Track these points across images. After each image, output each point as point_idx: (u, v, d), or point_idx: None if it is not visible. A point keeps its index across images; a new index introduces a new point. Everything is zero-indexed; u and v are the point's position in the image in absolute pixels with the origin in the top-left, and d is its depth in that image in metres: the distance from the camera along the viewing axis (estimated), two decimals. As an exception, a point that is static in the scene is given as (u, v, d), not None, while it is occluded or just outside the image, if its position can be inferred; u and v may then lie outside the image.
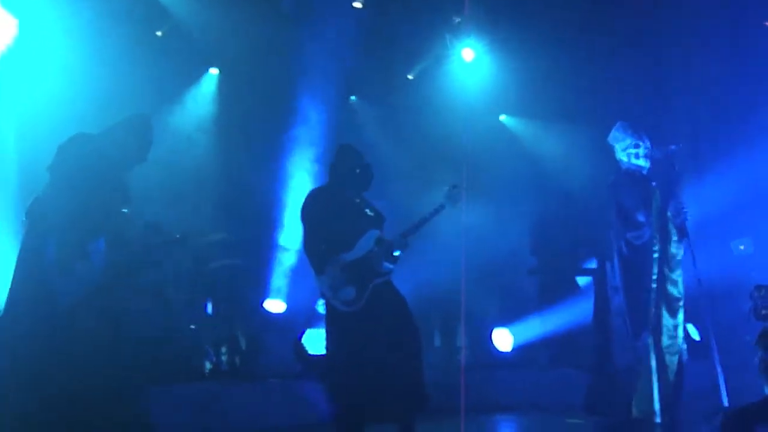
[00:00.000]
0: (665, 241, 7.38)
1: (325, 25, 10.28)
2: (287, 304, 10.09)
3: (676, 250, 7.41)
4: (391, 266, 6.71)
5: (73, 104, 8.11)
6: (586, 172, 9.94)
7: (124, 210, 6.45)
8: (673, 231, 7.40)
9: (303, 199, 6.84)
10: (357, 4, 10.52)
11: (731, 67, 10.22)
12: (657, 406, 7.29)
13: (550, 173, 11.11)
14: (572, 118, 10.69)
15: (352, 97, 11.28)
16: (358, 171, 6.85)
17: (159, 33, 9.97)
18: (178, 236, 7.18)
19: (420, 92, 11.09)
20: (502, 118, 11.75)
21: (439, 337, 10.87)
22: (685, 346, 7.57)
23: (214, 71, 10.60)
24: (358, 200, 6.91)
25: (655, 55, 10.22)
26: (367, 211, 6.89)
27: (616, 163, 7.66)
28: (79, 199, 6.06)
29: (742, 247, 10.40)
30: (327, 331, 6.74)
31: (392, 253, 6.70)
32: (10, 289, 6.14)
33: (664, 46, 10.18)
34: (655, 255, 7.35)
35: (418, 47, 11.02)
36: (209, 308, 9.20)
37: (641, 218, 7.39)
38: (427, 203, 9.42)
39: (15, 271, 6.15)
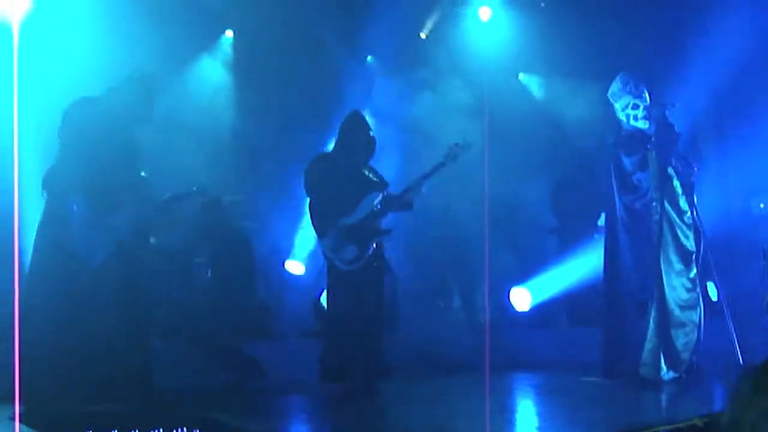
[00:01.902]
0: (670, 200, 7.32)
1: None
2: (306, 266, 10.16)
3: (686, 206, 7.36)
4: (388, 228, 7.14)
5: (86, 68, 8.15)
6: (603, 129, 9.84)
7: (141, 172, 6.52)
8: (678, 187, 7.33)
9: (309, 163, 7.02)
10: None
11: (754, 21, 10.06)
12: (663, 363, 7.30)
13: (570, 132, 11.01)
14: (592, 75, 10.56)
15: (369, 58, 11.22)
16: (364, 141, 7.05)
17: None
18: (194, 188, 7.30)
19: (435, 51, 11.00)
20: (521, 76, 11.64)
21: (459, 298, 10.90)
22: (701, 304, 7.54)
23: (229, 33, 10.58)
24: (361, 167, 7.18)
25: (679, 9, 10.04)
26: (371, 176, 7.18)
27: (617, 122, 7.57)
28: (91, 159, 6.12)
29: (762, 206, 10.30)
30: (327, 290, 7.01)
31: (400, 205, 7.12)
32: (33, 257, 6.21)
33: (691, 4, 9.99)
34: (656, 216, 7.30)
35: (433, 5, 10.93)
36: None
37: (638, 182, 7.34)
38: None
39: (37, 239, 6.21)
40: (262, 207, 10.10)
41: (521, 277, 10.39)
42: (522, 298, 10.47)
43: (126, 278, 6.27)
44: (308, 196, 7.28)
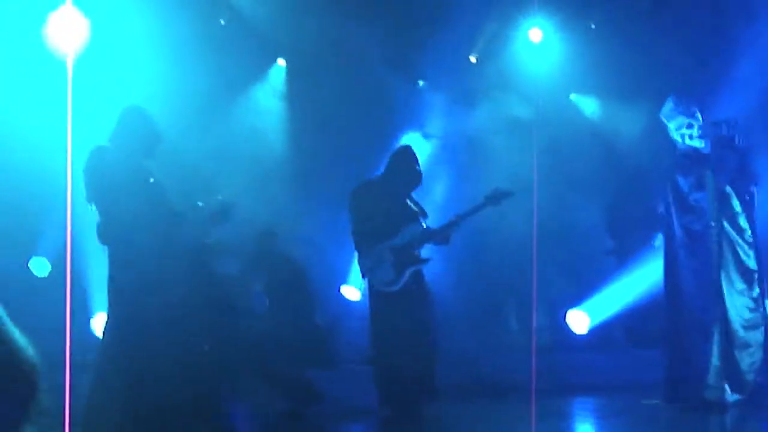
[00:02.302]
0: (729, 219, 7.21)
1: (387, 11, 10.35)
2: (362, 290, 10.17)
3: (745, 224, 7.24)
4: (427, 257, 7.45)
5: (144, 100, 8.26)
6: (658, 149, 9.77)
7: (198, 202, 6.51)
8: (737, 206, 7.21)
9: (355, 187, 7.24)
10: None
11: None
12: (727, 385, 7.17)
13: (623, 152, 10.95)
14: (644, 96, 10.49)
15: (420, 82, 11.26)
16: (411, 174, 7.58)
17: (222, 21, 10.06)
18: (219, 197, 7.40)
19: (486, 74, 11.02)
20: (573, 97, 11.60)
21: (515, 320, 10.86)
22: (766, 324, 7.39)
23: (281, 62, 10.68)
24: (405, 198, 7.56)
25: (728, 31, 9.95)
26: (413, 207, 7.58)
27: (672, 143, 7.47)
28: (121, 210, 6.08)
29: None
30: (370, 313, 7.53)
31: (437, 239, 7.45)
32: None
33: (739, 21, 9.90)
34: (715, 236, 7.18)
35: (485, 28, 10.95)
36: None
37: (696, 202, 7.22)
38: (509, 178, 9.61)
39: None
40: (317, 233, 10.16)
41: (578, 300, 10.31)
42: (579, 321, 10.40)
43: (192, 309, 6.24)
44: (351, 218, 7.62)
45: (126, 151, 6.21)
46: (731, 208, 7.19)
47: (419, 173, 7.62)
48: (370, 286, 7.55)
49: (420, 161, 7.74)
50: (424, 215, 7.59)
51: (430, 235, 7.46)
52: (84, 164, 6.18)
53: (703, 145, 7.24)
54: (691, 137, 7.25)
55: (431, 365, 7.53)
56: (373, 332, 7.66)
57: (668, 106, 7.39)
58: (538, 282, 9.79)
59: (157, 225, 6.08)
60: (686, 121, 7.27)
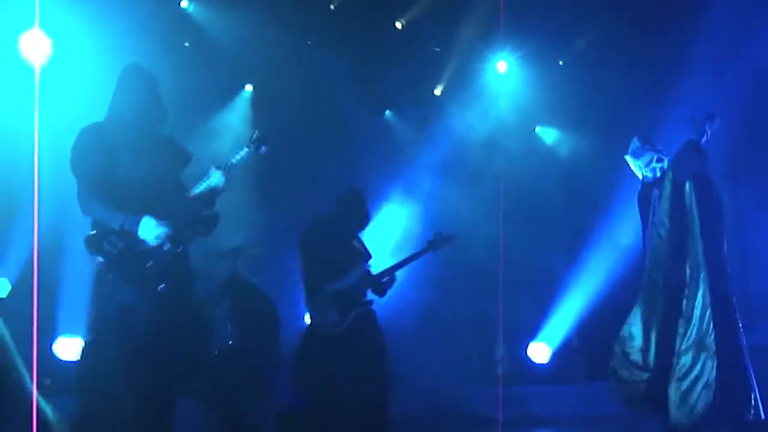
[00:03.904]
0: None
1: (360, 44, 10.42)
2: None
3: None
4: (372, 298, 7.50)
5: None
6: (622, 182, 9.87)
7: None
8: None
9: (304, 226, 7.30)
10: (398, 25, 10.69)
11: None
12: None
13: (585, 185, 11.04)
14: (608, 128, 10.62)
15: (387, 112, 11.32)
16: (360, 216, 7.67)
17: (186, 44, 10.08)
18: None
19: (453, 106, 11.09)
20: (538, 129, 11.70)
21: (477, 352, 10.86)
22: None
23: (249, 88, 10.67)
24: (353, 238, 7.66)
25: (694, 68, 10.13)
26: (358, 247, 7.66)
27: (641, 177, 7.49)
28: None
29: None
30: (300, 349, 7.49)
31: (375, 287, 7.52)
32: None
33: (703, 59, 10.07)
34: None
35: (452, 62, 11.04)
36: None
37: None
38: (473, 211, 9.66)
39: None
40: (286, 258, 10.07)
41: (537, 330, 10.37)
42: (541, 352, 10.44)
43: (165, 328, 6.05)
44: (302, 254, 7.61)
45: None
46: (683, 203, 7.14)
47: (368, 215, 7.73)
48: (311, 327, 7.54)
49: (369, 203, 7.81)
50: (369, 256, 7.67)
51: (372, 282, 7.55)
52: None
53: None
54: (662, 170, 7.31)
55: (381, 404, 7.47)
56: (307, 374, 7.48)
57: (635, 145, 7.47)
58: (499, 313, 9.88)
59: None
60: (655, 155, 7.35)
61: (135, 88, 5.99)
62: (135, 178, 5.74)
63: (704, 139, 7.01)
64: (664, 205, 7.10)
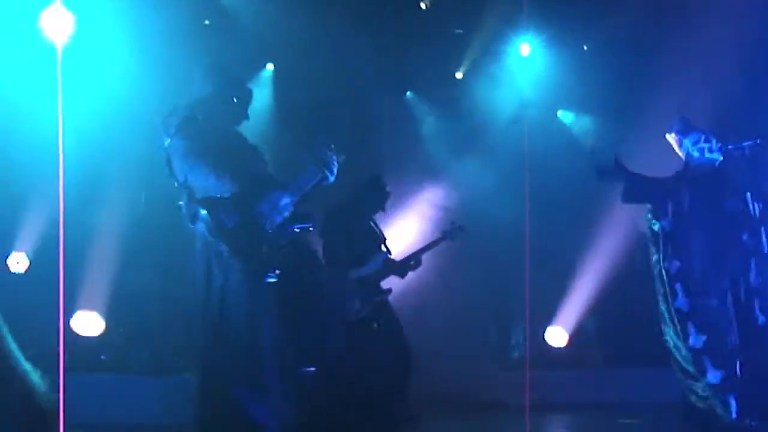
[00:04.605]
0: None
1: (386, 23, 10.35)
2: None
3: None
4: (389, 288, 7.56)
5: (128, 99, 8.28)
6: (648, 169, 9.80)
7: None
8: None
9: (326, 215, 7.29)
10: (423, 5, 10.62)
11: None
12: None
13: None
14: (632, 113, 10.51)
15: (408, 93, 11.26)
16: (380, 202, 7.83)
17: (207, 22, 10.02)
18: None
19: (475, 88, 11.02)
20: (560, 113, 11.62)
21: (494, 335, 10.84)
22: None
23: (270, 67, 10.63)
24: (371, 222, 7.77)
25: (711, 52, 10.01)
26: (377, 231, 7.78)
27: (685, 156, 7.38)
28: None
29: None
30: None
31: (400, 272, 7.66)
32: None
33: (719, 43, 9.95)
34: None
35: (477, 44, 10.96)
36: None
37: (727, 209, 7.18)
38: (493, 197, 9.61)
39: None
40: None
41: (558, 317, 10.34)
42: (558, 336, 10.41)
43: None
44: (326, 242, 7.65)
45: None
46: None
47: (386, 199, 7.83)
48: (332, 316, 7.42)
49: (387, 187, 7.89)
50: (385, 238, 7.76)
51: (397, 265, 7.67)
52: None
53: (720, 158, 7.23)
54: (710, 150, 7.22)
55: (402, 393, 7.50)
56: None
57: (682, 123, 7.37)
58: (517, 298, 9.83)
59: None
60: (703, 135, 7.26)
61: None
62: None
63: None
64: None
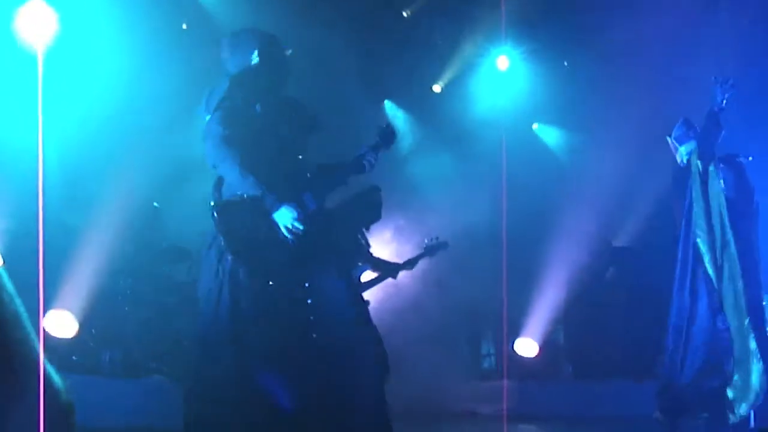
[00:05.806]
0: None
1: (367, 31, 10.36)
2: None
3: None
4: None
5: (109, 100, 8.22)
6: (616, 183, 9.89)
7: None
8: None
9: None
10: (405, 13, 10.64)
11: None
12: None
13: (584, 185, 11.04)
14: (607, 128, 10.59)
15: (386, 102, 11.29)
16: (373, 216, 7.33)
17: (184, 26, 9.96)
18: None
19: (452, 99, 11.06)
20: (535, 127, 11.70)
21: (466, 345, 10.88)
22: None
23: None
24: (358, 234, 7.40)
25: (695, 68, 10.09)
26: (363, 244, 7.40)
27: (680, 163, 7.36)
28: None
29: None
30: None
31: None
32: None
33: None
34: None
35: (453, 55, 11.01)
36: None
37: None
38: (469, 209, 9.61)
39: None
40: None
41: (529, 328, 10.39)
42: (528, 347, 10.47)
43: None
44: None
45: None
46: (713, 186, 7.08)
47: (379, 214, 7.37)
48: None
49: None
50: (370, 254, 7.62)
51: (371, 282, 7.68)
52: None
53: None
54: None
55: (377, 395, 7.47)
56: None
57: (681, 129, 7.35)
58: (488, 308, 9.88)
59: None
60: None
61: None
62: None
63: (723, 102, 6.86)
64: (696, 192, 7.02)
